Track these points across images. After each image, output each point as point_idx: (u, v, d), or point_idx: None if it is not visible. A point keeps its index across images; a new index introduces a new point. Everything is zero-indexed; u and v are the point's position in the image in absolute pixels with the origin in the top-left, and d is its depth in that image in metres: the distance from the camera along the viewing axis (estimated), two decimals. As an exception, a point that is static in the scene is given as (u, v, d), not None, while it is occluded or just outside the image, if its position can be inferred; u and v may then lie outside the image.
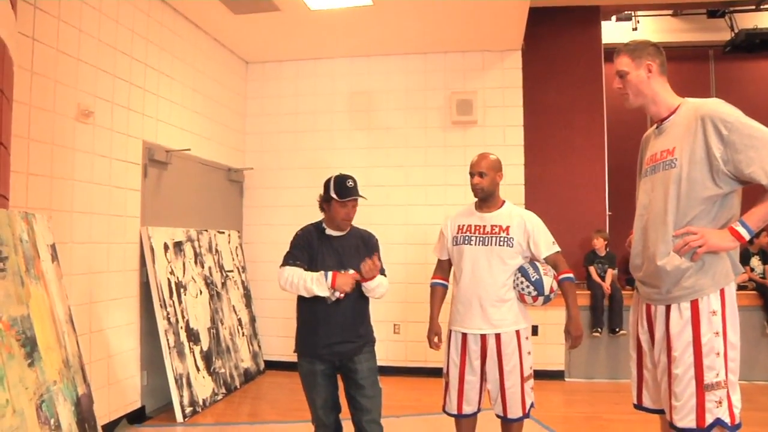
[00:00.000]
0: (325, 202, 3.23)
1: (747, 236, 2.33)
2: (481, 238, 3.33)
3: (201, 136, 5.95)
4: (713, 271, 2.40)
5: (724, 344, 2.36)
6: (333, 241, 3.25)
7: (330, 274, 3.04)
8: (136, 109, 4.87)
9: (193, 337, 5.20)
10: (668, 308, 2.46)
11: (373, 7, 5.40)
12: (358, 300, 3.20)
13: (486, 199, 3.39)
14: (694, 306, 2.39)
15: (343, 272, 3.09)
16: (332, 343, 3.14)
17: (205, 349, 5.34)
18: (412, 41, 6.47)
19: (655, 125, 2.67)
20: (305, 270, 3.11)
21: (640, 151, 2.81)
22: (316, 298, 3.09)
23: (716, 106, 2.38)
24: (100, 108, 4.42)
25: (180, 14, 5.54)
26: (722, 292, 2.40)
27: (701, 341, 2.35)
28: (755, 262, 6.52)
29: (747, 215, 2.34)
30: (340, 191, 3.16)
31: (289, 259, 3.17)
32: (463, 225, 3.42)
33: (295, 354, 3.28)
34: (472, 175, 3.38)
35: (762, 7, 7.55)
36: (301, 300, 3.21)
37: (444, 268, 3.59)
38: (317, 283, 3.04)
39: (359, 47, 6.66)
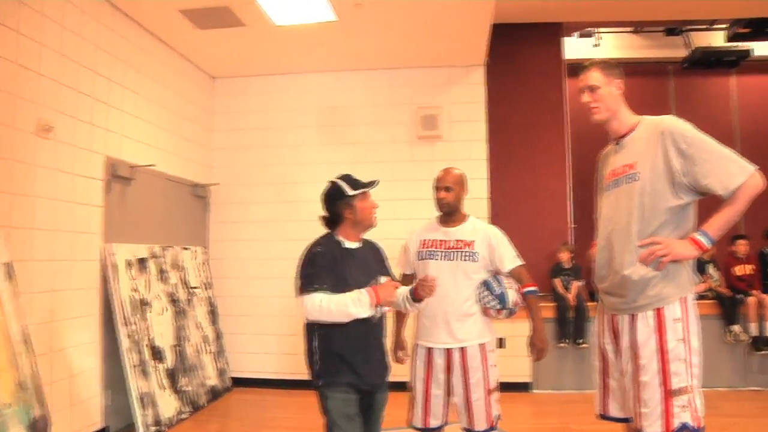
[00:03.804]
0: (345, 208, 2.87)
1: (708, 245, 2.41)
2: (446, 253, 3.32)
3: (166, 151, 5.86)
4: (677, 281, 2.46)
5: (688, 350, 2.41)
6: (355, 253, 2.90)
7: (369, 291, 2.70)
8: (99, 124, 4.77)
9: (158, 354, 5.08)
10: (633, 317, 2.50)
11: (338, 22, 5.39)
12: (383, 320, 2.95)
13: (450, 213, 3.39)
14: (659, 314, 2.44)
15: (380, 284, 2.80)
16: (369, 370, 2.83)
17: (170, 366, 5.22)
18: (378, 56, 6.49)
19: (614, 142, 2.71)
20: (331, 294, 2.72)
21: (599, 167, 2.87)
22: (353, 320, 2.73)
23: (675, 122, 2.47)
24: (62, 123, 4.32)
25: (144, 29, 5.46)
26: (684, 300, 2.46)
27: (667, 348, 2.40)
28: (711, 269, 6.63)
29: (706, 225, 2.42)
30: (357, 183, 2.89)
31: (314, 284, 2.70)
32: (428, 240, 3.41)
33: (320, 387, 2.83)
34: (437, 189, 3.37)
35: (714, 27, 7.76)
36: (319, 329, 2.79)
37: (408, 282, 3.55)
38: (360, 305, 2.67)
39: (326, 62, 6.66)
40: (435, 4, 5.16)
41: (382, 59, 6.58)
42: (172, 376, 5.23)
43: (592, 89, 2.63)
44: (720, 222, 2.38)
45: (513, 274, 3.33)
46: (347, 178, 2.93)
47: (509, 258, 3.33)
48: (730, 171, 2.34)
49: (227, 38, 5.79)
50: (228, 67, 6.73)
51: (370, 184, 2.91)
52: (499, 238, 3.36)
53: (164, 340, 5.25)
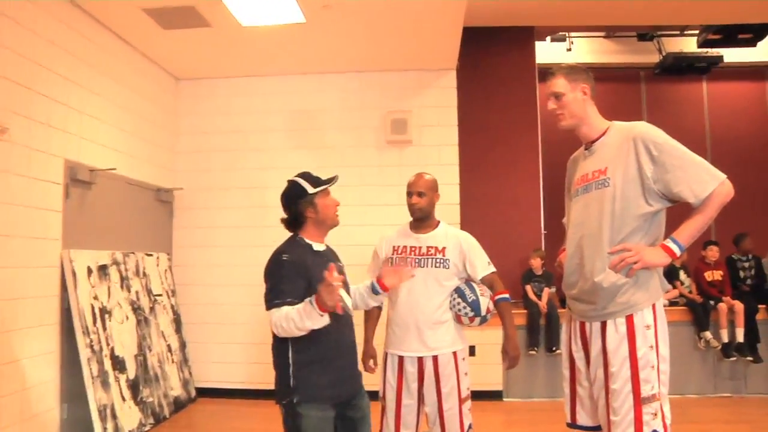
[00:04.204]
0: (307, 207, 2.74)
1: (678, 252, 2.44)
2: (417, 260, 3.32)
3: (128, 154, 5.77)
4: (647, 287, 2.48)
5: (656, 357, 2.43)
6: (322, 256, 2.77)
7: (312, 300, 2.43)
8: (57, 126, 4.68)
9: (119, 365, 4.99)
10: (604, 324, 2.52)
11: (306, 24, 5.37)
12: (351, 320, 2.83)
13: (422, 219, 3.40)
14: (630, 321, 2.46)
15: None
16: (344, 378, 2.73)
17: (131, 377, 5.13)
18: (348, 59, 6.48)
19: (583, 147, 2.74)
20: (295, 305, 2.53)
21: (568, 172, 2.88)
22: (321, 328, 2.52)
23: (646, 128, 2.50)
24: (17, 124, 4.21)
25: (106, 28, 5.38)
26: (654, 306, 2.48)
27: (637, 355, 2.42)
28: (682, 275, 6.74)
29: (677, 232, 2.44)
30: (318, 180, 2.78)
31: (278, 298, 2.55)
32: (399, 246, 3.41)
33: (287, 402, 2.63)
34: (410, 194, 3.37)
35: (685, 32, 7.92)
36: (295, 338, 2.57)
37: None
38: (308, 317, 2.43)
39: (294, 65, 6.63)
40: (405, 7, 5.17)
41: (351, 62, 6.57)
42: (133, 387, 5.14)
43: (556, 96, 2.65)
44: (690, 229, 2.41)
45: (485, 281, 3.34)
46: (306, 176, 2.82)
47: (482, 265, 3.35)
48: (701, 179, 2.37)
49: (192, 39, 5.73)
50: (193, 68, 6.66)
51: (330, 180, 2.83)
52: (471, 244, 3.38)
53: (126, 349, 5.16)
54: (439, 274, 3.29)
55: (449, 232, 3.41)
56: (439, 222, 3.45)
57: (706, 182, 2.36)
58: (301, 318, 2.44)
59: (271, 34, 5.65)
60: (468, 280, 3.35)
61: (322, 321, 2.45)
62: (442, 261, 3.30)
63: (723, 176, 2.38)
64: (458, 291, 3.28)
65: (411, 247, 3.37)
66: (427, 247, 3.34)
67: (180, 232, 6.83)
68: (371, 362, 3.49)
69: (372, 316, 3.54)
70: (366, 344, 3.51)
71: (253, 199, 6.66)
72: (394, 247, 3.42)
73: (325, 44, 6.00)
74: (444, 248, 3.32)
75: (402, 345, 3.31)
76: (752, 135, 8.25)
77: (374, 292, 2.86)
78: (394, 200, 6.27)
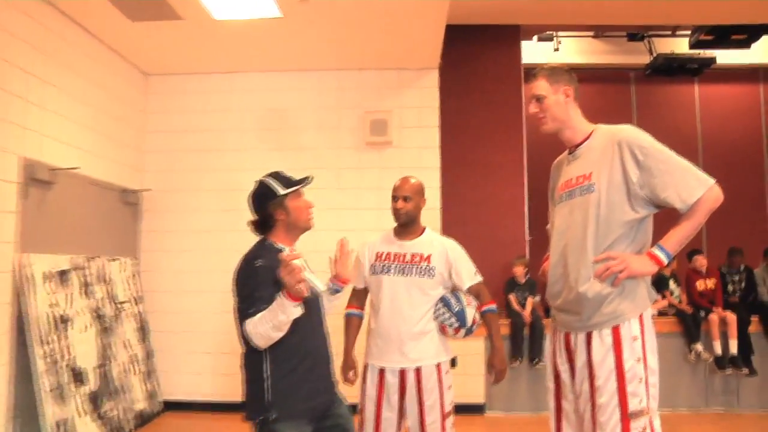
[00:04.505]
0: (277, 209, 2.66)
1: (666, 260, 2.42)
2: (401, 268, 3.30)
3: (92, 153, 5.65)
4: (633, 296, 2.45)
5: (645, 370, 2.41)
6: None
7: (281, 291, 2.36)
8: (14, 121, 4.56)
9: (78, 377, 4.87)
10: (589, 335, 2.48)
11: (283, 19, 5.32)
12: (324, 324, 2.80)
13: (407, 225, 3.36)
14: (616, 332, 2.43)
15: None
16: (321, 388, 2.67)
17: (92, 389, 5.02)
18: (326, 57, 6.43)
19: (567, 151, 2.72)
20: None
21: (552, 177, 2.87)
22: (296, 335, 2.49)
23: (632, 132, 2.49)
24: (-31, 120, 4.12)
25: (69, 18, 5.27)
26: (641, 317, 2.46)
27: (624, 368, 2.39)
28: (672, 285, 6.74)
29: (664, 240, 2.43)
30: (289, 181, 2.70)
31: (252, 307, 2.44)
32: (382, 253, 3.37)
33: (262, 420, 2.54)
34: (395, 198, 3.34)
35: (677, 33, 7.95)
36: (271, 349, 2.51)
37: (360, 297, 3.54)
38: (281, 310, 2.36)
39: (269, 62, 6.57)
40: (386, 3, 5.12)
41: (329, 60, 6.52)
42: (94, 400, 5.02)
43: (538, 99, 2.63)
44: (678, 236, 2.39)
45: (472, 291, 3.33)
46: (277, 176, 2.73)
47: (468, 274, 3.33)
48: (688, 184, 2.36)
49: (162, 32, 5.64)
50: (163, 63, 6.57)
51: (303, 181, 2.75)
52: (458, 252, 3.36)
53: (87, 360, 5.04)
54: (424, 283, 3.26)
55: (435, 240, 3.39)
56: (424, 228, 3.42)
57: (693, 188, 2.36)
58: (275, 314, 2.36)
59: (246, 29, 5.59)
60: (454, 290, 3.33)
61: (296, 311, 2.38)
62: (427, 269, 3.27)
63: (712, 181, 2.37)
64: (444, 300, 3.26)
65: (395, 254, 3.34)
66: (412, 254, 3.31)
67: (148, 236, 6.72)
68: (351, 373, 3.45)
69: (352, 325, 3.51)
70: (346, 355, 3.47)
71: (225, 201, 6.57)
72: (377, 253, 3.39)
73: (302, 40, 5.94)
74: (429, 256, 3.29)
75: (384, 356, 3.27)
76: (745, 139, 8.30)
77: (334, 291, 2.95)
78: (372, 204, 6.23)
